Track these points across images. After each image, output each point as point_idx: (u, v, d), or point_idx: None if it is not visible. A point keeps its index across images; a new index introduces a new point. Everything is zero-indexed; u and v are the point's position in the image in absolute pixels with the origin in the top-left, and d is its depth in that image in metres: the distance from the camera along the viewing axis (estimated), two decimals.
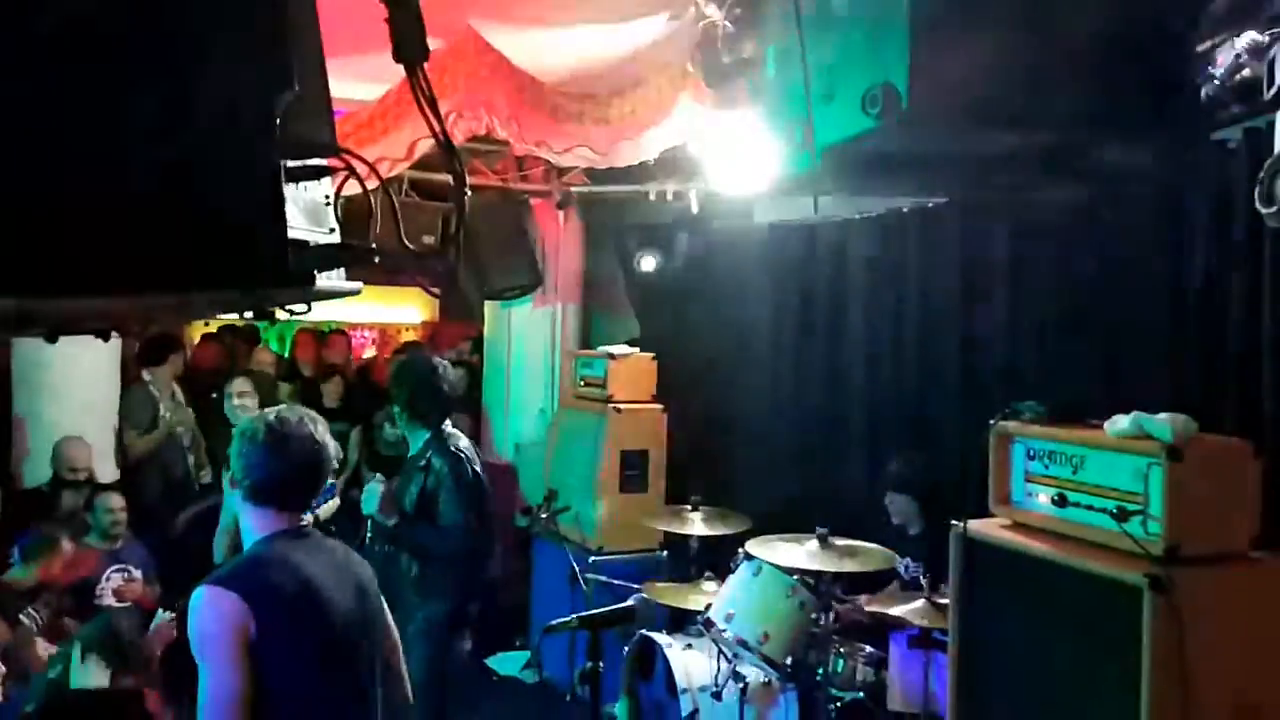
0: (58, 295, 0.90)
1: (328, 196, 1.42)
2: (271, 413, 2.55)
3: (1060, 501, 2.92)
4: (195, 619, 2.29)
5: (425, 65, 1.43)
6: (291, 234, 1.14)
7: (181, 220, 0.96)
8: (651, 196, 6.84)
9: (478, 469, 4.33)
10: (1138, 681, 2.53)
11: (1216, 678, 2.54)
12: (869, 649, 4.47)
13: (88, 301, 1.02)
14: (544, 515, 5.96)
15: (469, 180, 6.30)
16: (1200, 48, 2.89)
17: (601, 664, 2.88)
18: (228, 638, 2.25)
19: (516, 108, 4.65)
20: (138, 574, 5.20)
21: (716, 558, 5.21)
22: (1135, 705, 2.52)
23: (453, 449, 4.29)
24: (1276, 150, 2.90)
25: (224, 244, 0.97)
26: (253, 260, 0.99)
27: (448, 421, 4.43)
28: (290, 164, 1.09)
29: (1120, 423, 2.77)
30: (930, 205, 5.12)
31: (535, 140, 4.92)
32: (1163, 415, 2.69)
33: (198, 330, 9.10)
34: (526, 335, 7.92)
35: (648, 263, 7.00)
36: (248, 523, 2.56)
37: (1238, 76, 3.25)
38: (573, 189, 7.36)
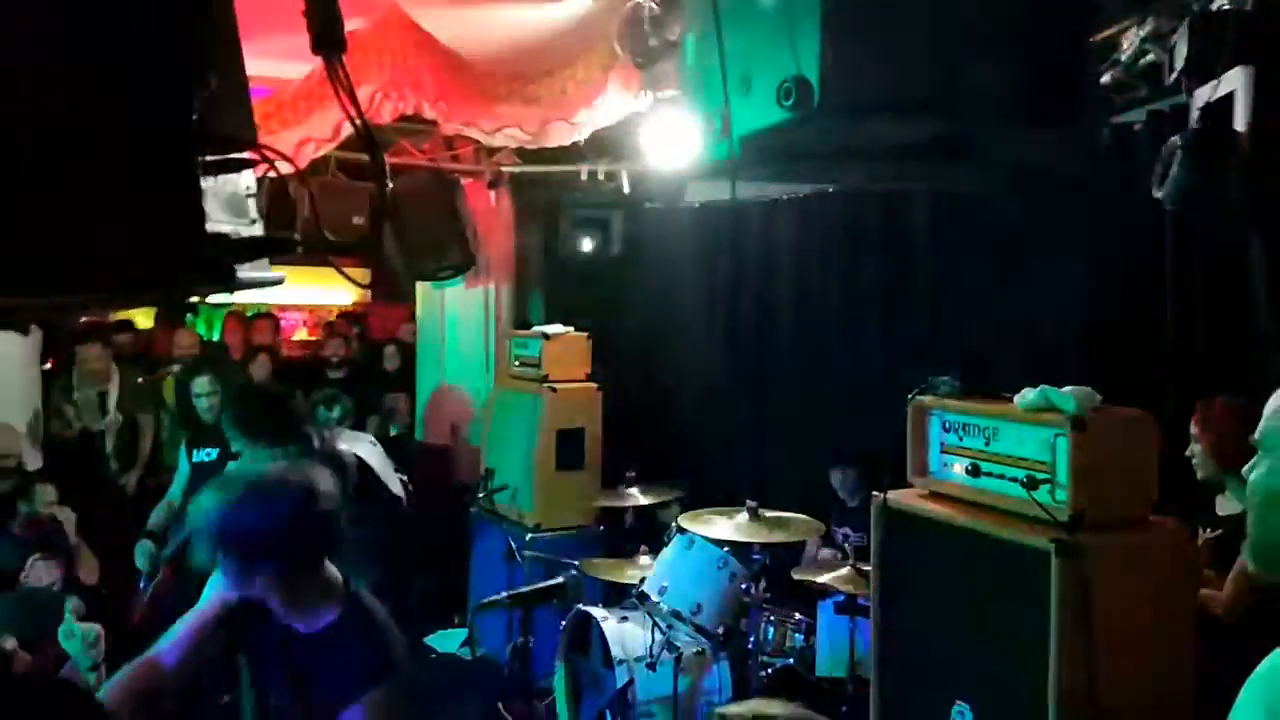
0: None
1: (249, 187, 1.44)
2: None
3: (974, 471, 3.04)
4: None
5: (344, 55, 1.46)
6: (211, 227, 1.17)
7: (100, 220, 0.98)
8: (584, 177, 6.85)
9: None
10: (1047, 641, 2.66)
11: (1119, 635, 2.68)
12: (798, 616, 4.60)
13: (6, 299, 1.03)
14: (480, 494, 5.99)
15: (398, 160, 6.26)
16: (1103, 35, 3.01)
17: (533, 639, 2.93)
18: None
19: (444, 87, 4.63)
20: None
21: (651, 533, 5.30)
22: (1045, 663, 2.66)
23: None
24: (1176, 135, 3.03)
25: (143, 243, 0.99)
26: (173, 258, 1.01)
27: None
28: (208, 159, 1.12)
29: (1028, 395, 2.89)
30: (855, 191, 5.23)
31: (464, 120, 4.91)
32: (1067, 388, 2.82)
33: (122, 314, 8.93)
34: (460, 315, 7.91)
35: (582, 243, 7.03)
36: None
37: (1141, 61, 3.39)
38: (503, 169, 7.35)
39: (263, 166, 1.41)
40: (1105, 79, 3.33)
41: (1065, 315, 3.99)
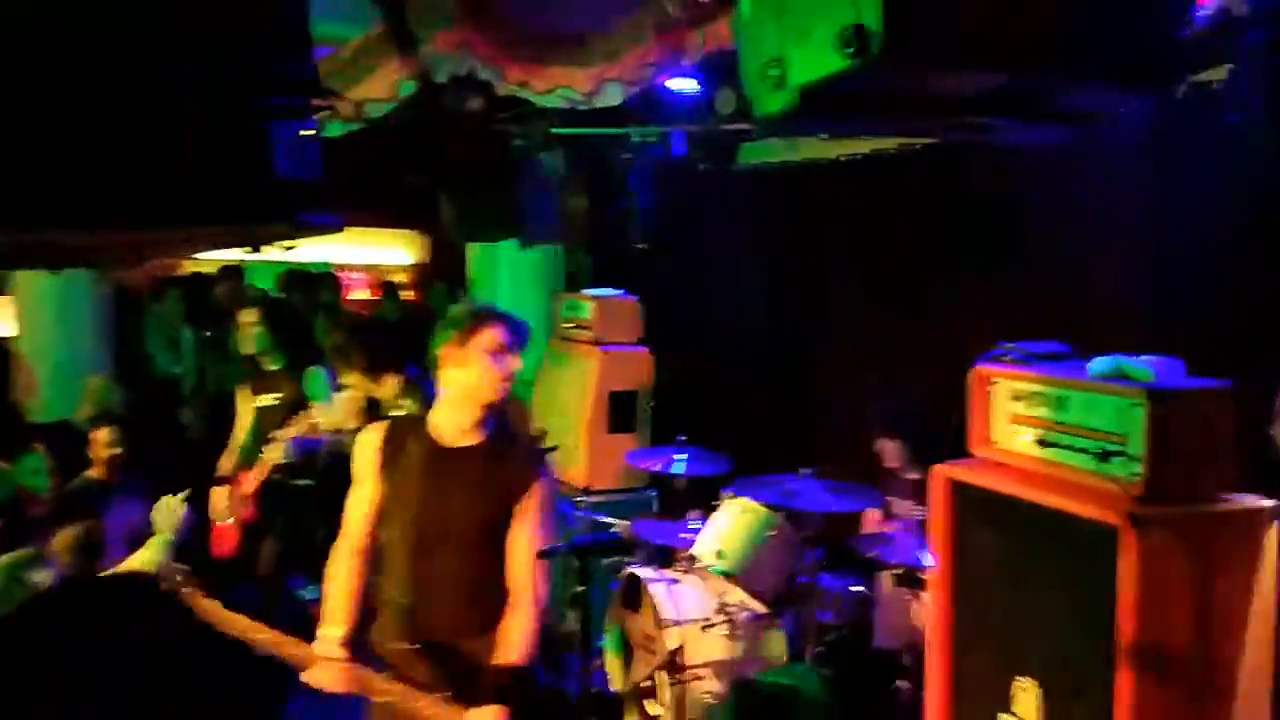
0: (57, 228, 0.91)
1: (310, 134, 1.41)
2: None
3: (1042, 442, 2.96)
4: None
5: (405, 6, 1.42)
6: (277, 172, 1.15)
7: (173, 158, 0.97)
8: (635, 138, 6.77)
9: None
10: (1112, 617, 2.59)
11: (1191, 617, 2.60)
12: (855, 587, 4.55)
13: (86, 236, 1.03)
14: None
15: (450, 123, 6.24)
16: None
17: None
18: None
19: (498, 48, 4.59)
20: None
21: (703, 496, 5.27)
22: (1109, 640, 2.59)
23: None
24: None
25: (213, 181, 0.98)
26: (240, 194, 0.99)
27: None
28: (275, 103, 1.09)
29: (1101, 364, 2.80)
30: (918, 147, 5.10)
31: (518, 81, 4.86)
32: (1144, 357, 2.72)
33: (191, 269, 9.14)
34: (514, 276, 7.91)
35: (632, 204, 6.96)
36: None
37: (1224, 17, 3.24)
38: (555, 130, 7.29)
39: (324, 114, 1.38)
40: (1185, 33, 3.19)
41: (1137, 281, 3.85)
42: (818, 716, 3.88)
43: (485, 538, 2.88)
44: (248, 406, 5.57)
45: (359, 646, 2.89)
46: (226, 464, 5.49)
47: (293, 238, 1.27)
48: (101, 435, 5.26)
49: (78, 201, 0.99)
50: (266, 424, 5.43)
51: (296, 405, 5.32)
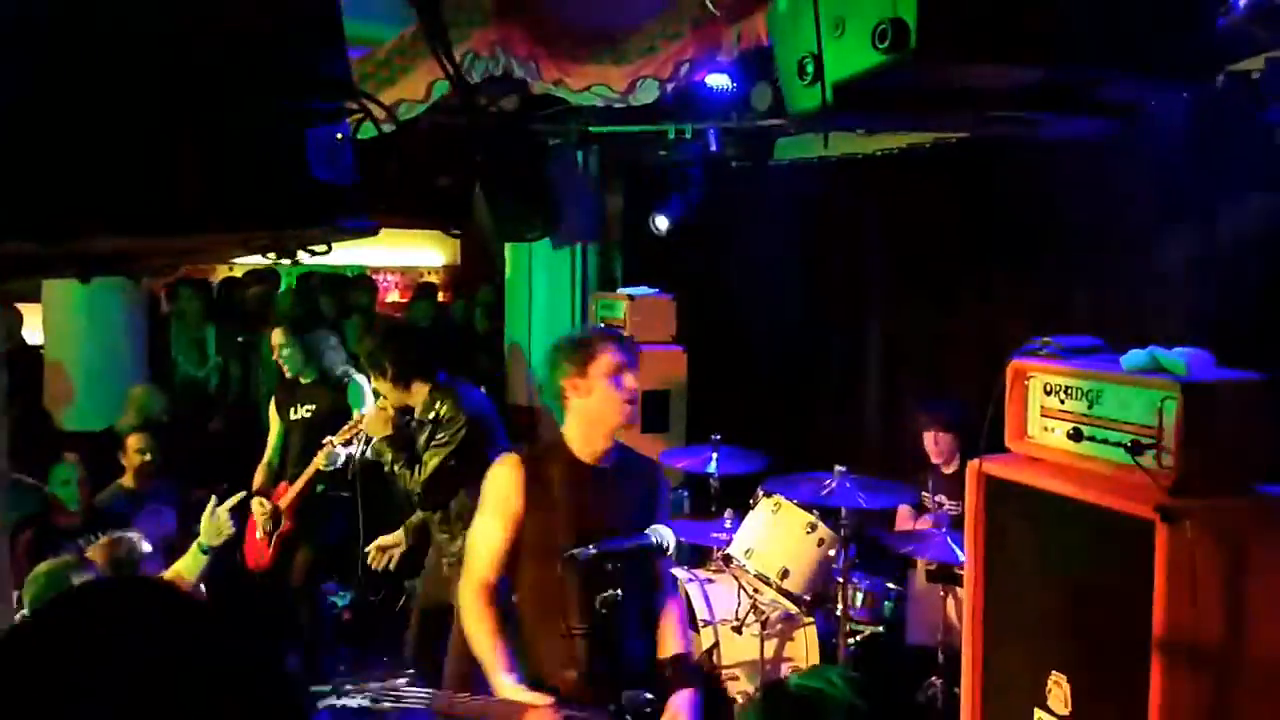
0: (90, 236, 0.94)
1: (343, 136, 1.45)
2: None
3: (1075, 436, 2.94)
4: None
5: (440, 7, 1.45)
6: (313, 176, 1.18)
7: (209, 161, 1.00)
8: (671, 135, 6.79)
9: None
10: (1148, 612, 2.57)
11: (1223, 609, 2.58)
12: (889, 585, 4.54)
13: (122, 242, 1.06)
14: None
15: (484, 121, 6.28)
16: None
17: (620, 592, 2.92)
18: None
19: (534, 47, 4.62)
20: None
21: (737, 496, 5.28)
22: (1147, 634, 2.57)
23: None
24: None
25: (249, 183, 1.01)
26: (278, 199, 1.02)
27: None
28: (310, 105, 1.12)
29: (1136, 357, 2.78)
30: (954, 142, 5.08)
31: (553, 79, 4.90)
32: (1179, 350, 2.70)
33: (222, 274, 9.23)
34: (548, 276, 7.95)
35: (668, 203, 6.99)
36: None
37: (1263, 6, 3.20)
38: (590, 128, 7.32)
39: (358, 117, 1.41)
40: (1222, 23, 3.16)
41: (1174, 274, 3.82)
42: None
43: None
44: (277, 421, 5.62)
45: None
46: (259, 478, 5.53)
47: (329, 243, 1.30)
48: (133, 441, 5.32)
49: (111, 207, 1.01)
50: (299, 437, 5.49)
51: (333, 415, 5.36)
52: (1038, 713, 2.92)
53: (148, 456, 5.27)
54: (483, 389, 7.65)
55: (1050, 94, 2.33)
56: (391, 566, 4.70)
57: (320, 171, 1.24)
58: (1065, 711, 2.84)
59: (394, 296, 11.62)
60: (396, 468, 4.26)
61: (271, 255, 1.40)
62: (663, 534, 2.92)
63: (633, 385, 2.99)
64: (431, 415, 4.32)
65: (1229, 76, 3.42)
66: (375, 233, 1.30)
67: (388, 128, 1.37)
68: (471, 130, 5.16)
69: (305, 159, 1.11)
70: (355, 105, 1.25)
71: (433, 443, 4.26)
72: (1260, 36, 3.35)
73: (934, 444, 4.87)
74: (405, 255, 12.06)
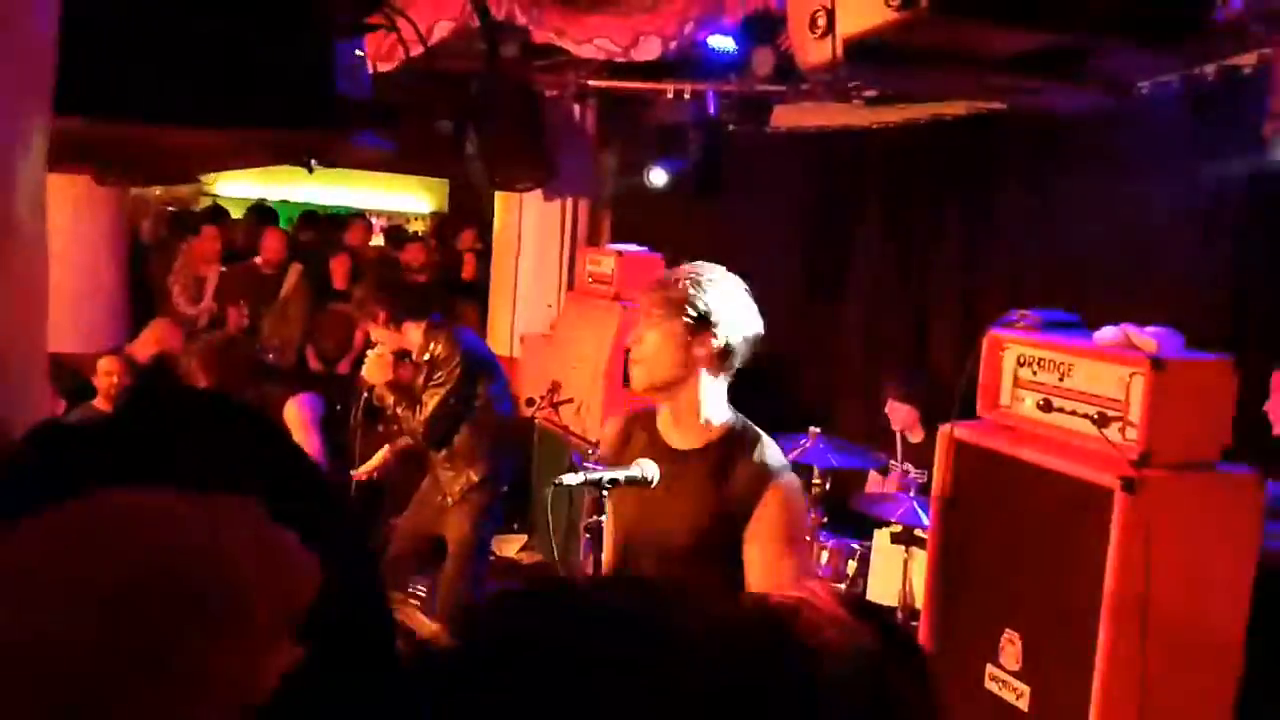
0: (127, 118, 0.98)
1: (360, 55, 1.49)
2: None
3: (1045, 406, 3.03)
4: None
5: None
6: (335, 86, 1.22)
7: (240, 59, 1.04)
8: (669, 94, 6.80)
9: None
10: (1102, 578, 2.68)
11: (1174, 578, 2.69)
12: (853, 543, 4.66)
13: (152, 132, 1.10)
14: (545, 406, 6.12)
15: (497, 63, 6.22)
16: None
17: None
18: None
19: None
20: None
21: None
22: (1099, 598, 2.68)
23: None
24: None
25: (277, 84, 1.05)
26: (304, 102, 1.07)
27: None
28: (338, 18, 1.17)
29: (1107, 333, 2.87)
30: (949, 118, 5.14)
31: (555, 29, 4.90)
32: (1149, 328, 2.79)
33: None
34: (537, 228, 7.97)
35: (661, 162, 7.01)
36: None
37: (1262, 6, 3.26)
38: (589, 83, 7.32)
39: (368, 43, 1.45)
40: (1219, 15, 3.22)
41: (1153, 254, 3.91)
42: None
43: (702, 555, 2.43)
44: None
45: None
46: None
47: (348, 154, 1.34)
48: (103, 364, 5.29)
49: (141, 94, 1.05)
50: None
51: None
52: (989, 668, 3.03)
53: (114, 379, 5.25)
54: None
55: (1051, 61, 2.39)
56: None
57: (342, 84, 1.29)
58: (1015, 667, 2.95)
59: (377, 240, 11.60)
60: (399, 410, 4.32)
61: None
62: (645, 466, 2.94)
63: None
64: (427, 356, 4.37)
65: (1221, 69, 3.49)
66: (393, 150, 1.34)
67: (414, 51, 1.41)
68: (469, 75, 5.16)
69: (332, 68, 1.15)
70: (383, 21, 1.30)
71: (430, 382, 4.31)
72: (1256, 33, 3.41)
73: (892, 412, 4.97)
74: (391, 199, 12.01)
